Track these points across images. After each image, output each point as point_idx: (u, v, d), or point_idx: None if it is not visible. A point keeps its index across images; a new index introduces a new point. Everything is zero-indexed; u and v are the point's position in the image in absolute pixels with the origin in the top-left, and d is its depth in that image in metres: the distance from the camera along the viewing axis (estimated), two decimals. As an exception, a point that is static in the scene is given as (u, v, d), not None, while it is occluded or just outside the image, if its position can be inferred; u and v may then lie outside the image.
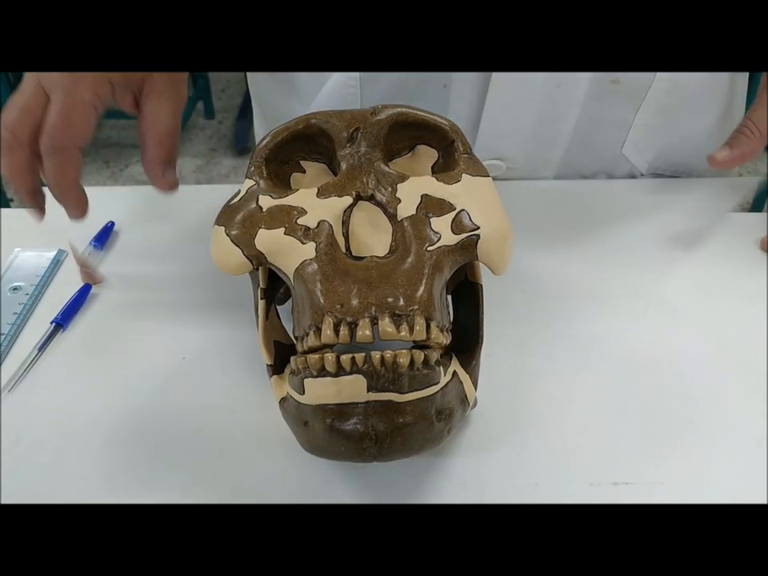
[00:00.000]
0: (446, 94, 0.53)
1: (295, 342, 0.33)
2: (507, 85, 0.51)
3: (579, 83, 0.52)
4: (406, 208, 0.33)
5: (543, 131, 0.55)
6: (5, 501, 0.34)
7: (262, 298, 0.36)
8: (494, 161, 0.56)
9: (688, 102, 0.54)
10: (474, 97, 0.53)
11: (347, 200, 0.34)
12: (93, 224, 0.50)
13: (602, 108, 0.54)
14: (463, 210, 0.33)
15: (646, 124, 0.55)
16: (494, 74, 0.50)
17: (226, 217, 0.35)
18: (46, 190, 0.38)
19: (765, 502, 0.33)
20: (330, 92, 0.54)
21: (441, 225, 0.33)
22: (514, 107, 0.53)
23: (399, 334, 0.29)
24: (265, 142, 0.37)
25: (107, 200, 0.55)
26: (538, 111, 0.53)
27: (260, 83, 0.61)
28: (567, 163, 0.58)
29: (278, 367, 0.36)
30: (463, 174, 0.35)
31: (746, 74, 0.58)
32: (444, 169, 0.37)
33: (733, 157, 0.48)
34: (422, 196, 0.34)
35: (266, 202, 0.34)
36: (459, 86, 0.52)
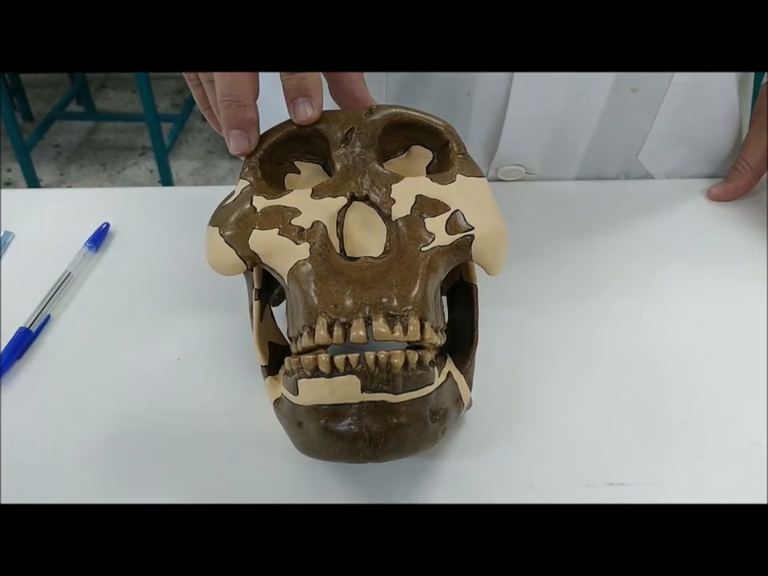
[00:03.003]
0: (469, 102, 0.54)
1: (289, 342, 0.33)
2: (527, 93, 0.52)
3: (600, 93, 0.53)
4: (401, 208, 0.33)
5: (562, 140, 0.56)
6: (4, 501, 0.33)
7: (256, 299, 0.36)
8: (514, 166, 0.57)
9: (701, 108, 0.55)
10: (497, 104, 0.54)
11: (342, 200, 0.34)
12: (88, 225, 0.50)
13: (621, 116, 0.55)
14: (458, 210, 0.33)
15: (662, 132, 0.57)
16: (514, 82, 0.51)
17: (220, 217, 0.35)
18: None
19: (761, 502, 0.33)
20: None
21: (435, 225, 0.33)
22: (534, 116, 0.54)
23: (393, 335, 0.29)
24: (259, 142, 0.37)
25: (102, 201, 0.55)
26: (558, 120, 0.54)
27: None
28: (584, 169, 0.59)
29: (272, 368, 0.36)
30: (458, 175, 0.35)
31: (752, 80, 0.58)
32: (439, 169, 0.37)
33: (727, 190, 0.54)
34: (416, 196, 0.34)
35: (260, 202, 0.34)
36: (482, 92, 0.53)
